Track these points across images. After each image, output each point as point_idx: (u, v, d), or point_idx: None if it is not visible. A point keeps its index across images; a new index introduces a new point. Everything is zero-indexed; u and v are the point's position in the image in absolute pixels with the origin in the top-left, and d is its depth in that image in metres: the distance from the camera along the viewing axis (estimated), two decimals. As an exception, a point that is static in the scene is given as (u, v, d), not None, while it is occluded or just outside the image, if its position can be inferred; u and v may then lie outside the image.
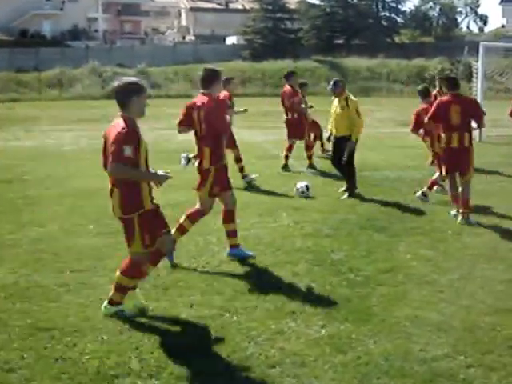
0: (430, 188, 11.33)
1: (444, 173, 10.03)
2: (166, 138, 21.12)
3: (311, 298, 6.53)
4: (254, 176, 12.71)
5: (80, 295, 6.54)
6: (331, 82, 11.94)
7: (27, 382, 4.82)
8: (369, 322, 5.90)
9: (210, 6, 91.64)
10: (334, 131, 11.76)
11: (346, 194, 11.45)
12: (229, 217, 7.99)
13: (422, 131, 11.60)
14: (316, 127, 15.80)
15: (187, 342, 5.48)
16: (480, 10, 79.36)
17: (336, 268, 7.46)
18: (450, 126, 9.67)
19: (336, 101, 11.72)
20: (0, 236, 8.81)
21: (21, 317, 5.95)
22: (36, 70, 46.46)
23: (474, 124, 10.14)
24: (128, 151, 5.70)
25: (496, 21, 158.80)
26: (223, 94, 11.68)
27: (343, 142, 11.49)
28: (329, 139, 12.19)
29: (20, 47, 52.35)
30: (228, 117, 8.49)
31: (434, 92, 13.21)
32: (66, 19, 69.07)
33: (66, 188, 12.35)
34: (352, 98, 11.58)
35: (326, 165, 13.44)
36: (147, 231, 5.88)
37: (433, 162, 11.84)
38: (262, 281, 7.03)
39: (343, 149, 11.44)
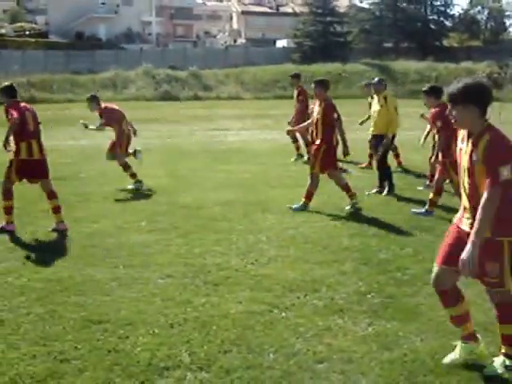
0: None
1: None
2: (218, 139, 21.27)
3: (358, 295, 6.56)
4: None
5: (132, 290, 6.69)
6: (375, 79, 12.18)
7: (81, 372, 4.95)
8: (415, 320, 5.92)
9: (260, 9, 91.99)
10: (371, 129, 11.95)
11: (385, 191, 11.70)
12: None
13: None
14: None
15: (236, 337, 5.56)
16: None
17: (383, 267, 7.49)
18: None
19: (375, 99, 11.97)
20: (56, 231, 9.06)
21: (75, 309, 6.13)
22: (91, 71, 47.29)
23: None
24: None
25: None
26: None
27: (380, 140, 11.64)
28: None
29: (76, 50, 53.39)
30: None
31: None
32: (120, 22, 70.11)
33: (120, 186, 12.59)
34: (391, 96, 11.82)
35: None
36: None
37: None
38: (309, 278, 7.08)
39: (379, 146, 11.72)
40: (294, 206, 10.40)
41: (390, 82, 47.77)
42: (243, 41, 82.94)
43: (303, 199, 10.45)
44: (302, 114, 15.32)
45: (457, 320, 5.08)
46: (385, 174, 11.79)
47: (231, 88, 47.05)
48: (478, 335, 5.13)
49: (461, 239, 4.76)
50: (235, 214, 10.13)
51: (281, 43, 68.81)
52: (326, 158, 10.26)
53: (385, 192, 11.66)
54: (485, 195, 4.49)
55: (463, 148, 4.72)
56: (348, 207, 10.42)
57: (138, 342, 5.45)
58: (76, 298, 6.42)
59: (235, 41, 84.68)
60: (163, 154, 17.47)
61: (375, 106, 11.94)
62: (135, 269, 7.37)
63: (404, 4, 67.84)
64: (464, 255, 4.53)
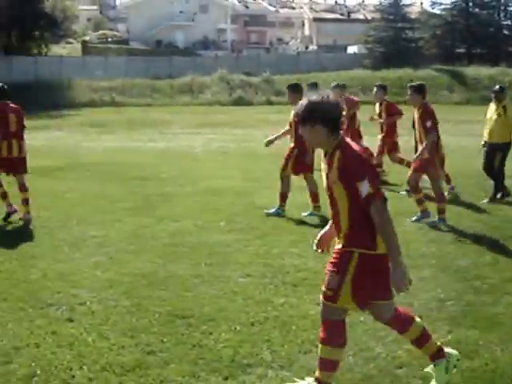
0: None
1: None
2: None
3: (437, 303, 6.52)
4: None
5: (214, 287, 6.84)
6: (496, 87, 11.94)
7: (166, 364, 5.10)
8: (496, 329, 5.84)
9: (332, 16, 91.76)
10: (486, 137, 11.74)
11: (489, 200, 11.42)
12: None
13: None
14: None
15: (316, 338, 5.60)
16: None
17: (461, 275, 7.42)
18: None
19: (493, 107, 11.71)
20: (140, 229, 9.32)
21: (160, 304, 6.31)
22: (169, 77, 48.09)
23: None
24: None
25: None
26: None
27: (496, 148, 11.53)
28: (484, 145, 12.03)
29: (155, 56, 54.39)
30: None
31: None
32: (197, 30, 71.12)
33: (199, 187, 12.86)
34: (510, 105, 11.62)
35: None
36: None
37: None
38: (389, 281, 7.10)
39: (495, 155, 11.54)
40: (269, 211, 10.30)
41: (462, 87, 47.13)
42: (315, 47, 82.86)
43: (279, 203, 10.42)
44: None
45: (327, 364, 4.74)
46: (499, 181, 11.66)
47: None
48: None
49: None
50: (311, 217, 10.19)
51: (352, 49, 68.49)
52: (298, 160, 10.30)
53: (499, 195, 11.54)
54: (373, 217, 4.32)
55: (322, 168, 4.54)
56: (306, 214, 10.34)
57: (220, 338, 5.58)
58: (160, 293, 6.61)
59: (307, 47, 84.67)
60: (239, 157, 17.69)
61: (492, 114, 11.64)
62: (216, 267, 7.52)
63: (476, 9, 66.45)
64: (392, 280, 4.44)
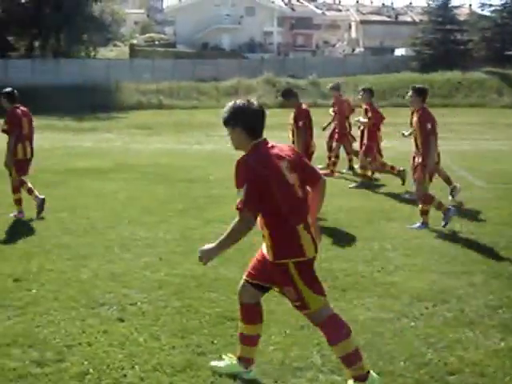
0: None
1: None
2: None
3: (489, 309, 6.43)
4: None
5: (263, 290, 6.85)
6: None
7: (217, 365, 5.15)
8: (550, 337, 5.75)
9: (379, 18, 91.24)
10: None
11: None
12: None
13: None
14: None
15: (366, 343, 5.59)
16: None
17: (514, 281, 7.32)
18: None
19: None
20: (188, 230, 9.37)
21: (210, 305, 6.36)
22: (215, 79, 48.34)
23: None
24: None
25: None
26: None
27: None
28: None
29: (201, 59, 54.72)
30: None
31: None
32: (243, 33, 71.30)
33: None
34: None
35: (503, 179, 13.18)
36: None
37: None
38: (438, 288, 7.01)
39: None
40: None
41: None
42: (361, 49, 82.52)
43: None
44: None
45: (245, 339, 5.03)
46: None
47: (349, 96, 46.85)
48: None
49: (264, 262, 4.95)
50: (359, 221, 10.14)
51: (399, 52, 68.06)
52: None
53: None
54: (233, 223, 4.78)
55: None
56: None
57: (270, 340, 5.59)
58: (210, 295, 6.66)
59: (353, 50, 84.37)
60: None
61: None
62: (265, 270, 7.52)
63: (527, 11, 65.43)
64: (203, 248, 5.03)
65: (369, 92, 14.19)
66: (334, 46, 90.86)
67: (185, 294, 6.68)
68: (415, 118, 9.83)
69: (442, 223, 9.77)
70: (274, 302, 6.43)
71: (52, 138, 23.80)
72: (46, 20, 54.14)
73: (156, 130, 27.66)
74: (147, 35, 78.04)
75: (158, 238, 8.96)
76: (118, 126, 30.17)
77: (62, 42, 58.55)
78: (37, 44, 60.12)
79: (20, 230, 9.45)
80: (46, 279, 7.13)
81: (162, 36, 77.99)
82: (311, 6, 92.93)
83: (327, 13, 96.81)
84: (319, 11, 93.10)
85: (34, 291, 6.75)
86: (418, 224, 9.79)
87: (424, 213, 9.80)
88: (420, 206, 9.89)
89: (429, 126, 9.54)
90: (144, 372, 4.98)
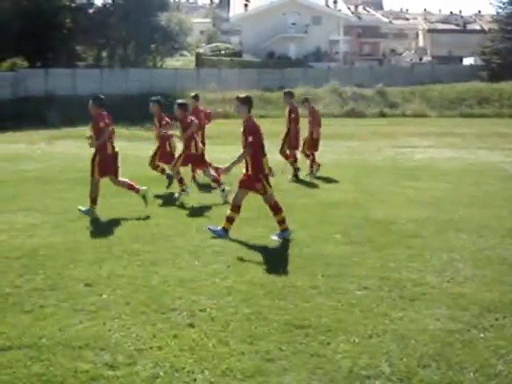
0: None
1: None
2: (405, 156, 21.13)
3: None
4: None
5: (331, 298, 6.85)
6: None
7: (286, 371, 5.17)
8: None
9: (447, 27, 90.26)
10: None
11: None
12: None
13: None
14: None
15: (435, 353, 5.55)
16: None
17: None
18: None
19: None
20: (256, 239, 9.44)
21: (278, 313, 6.38)
22: (281, 88, 48.39)
23: None
24: None
25: None
26: None
27: None
28: None
29: (267, 68, 54.95)
30: None
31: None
32: (309, 42, 71.36)
33: (314, 198, 12.96)
34: None
35: None
36: None
37: None
38: (508, 300, 6.89)
39: None
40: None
41: None
42: (429, 58, 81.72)
43: None
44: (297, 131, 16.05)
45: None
46: None
47: (416, 105, 46.40)
48: None
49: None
50: (428, 232, 10.04)
51: (468, 61, 67.18)
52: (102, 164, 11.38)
53: None
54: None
55: None
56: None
57: (338, 348, 5.59)
58: (278, 302, 6.68)
59: (421, 58, 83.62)
60: (352, 170, 17.63)
61: None
62: (333, 278, 7.53)
63: None
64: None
65: (289, 95, 16.02)
66: (400, 54, 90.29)
67: (253, 301, 6.72)
68: (242, 129, 9.54)
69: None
70: (343, 311, 6.45)
71: (119, 147, 24.14)
72: (113, 30, 55.33)
73: (223, 139, 27.87)
74: (213, 45, 78.81)
75: (227, 245, 9.04)
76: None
77: (129, 51, 59.71)
78: (104, 54, 61.47)
79: (91, 236, 9.66)
80: (117, 284, 7.28)
81: (228, 45, 78.62)
82: (378, 15, 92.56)
83: (394, 21, 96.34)
84: (386, 20, 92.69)
85: (105, 296, 6.90)
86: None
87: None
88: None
89: (250, 138, 9.30)
90: (214, 377, 5.05)
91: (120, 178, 11.76)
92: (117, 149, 11.83)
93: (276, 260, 8.33)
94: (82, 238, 9.42)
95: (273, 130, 31.48)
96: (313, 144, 16.58)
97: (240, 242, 9.23)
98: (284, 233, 9.52)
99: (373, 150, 23.31)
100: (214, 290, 7.05)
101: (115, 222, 10.64)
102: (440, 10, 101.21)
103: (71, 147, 24.31)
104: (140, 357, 5.37)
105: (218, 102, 44.72)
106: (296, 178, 15.71)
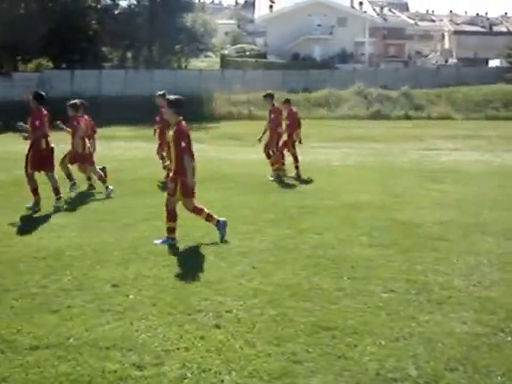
0: None
1: None
2: (430, 159, 21.01)
3: None
4: None
5: (357, 301, 6.83)
6: None
7: (313, 373, 5.17)
8: None
9: (473, 29, 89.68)
10: None
11: None
12: None
13: None
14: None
15: (462, 356, 5.52)
16: None
17: None
18: None
19: None
20: (282, 240, 9.43)
21: (304, 314, 6.38)
22: (305, 90, 48.41)
23: None
24: None
25: None
26: None
27: None
28: None
29: (292, 69, 54.91)
30: None
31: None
32: (334, 43, 71.16)
33: (339, 200, 12.87)
34: None
35: None
36: None
37: None
38: (538, 305, 6.85)
39: None
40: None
41: None
42: (454, 60, 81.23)
43: None
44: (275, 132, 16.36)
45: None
46: None
47: (442, 108, 46.08)
48: None
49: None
50: (454, 235, 9.98)
51: (493, 63, 66.63)
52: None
53: None
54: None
55: None
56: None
57: (365, 351, 5.58)
58: (304, 304, 6.68)
59: (446, 61, 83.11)
60: (378, 172, 17.57)
61: None
62: (359, 281, 7.51)
63: None
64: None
65: (270, 97, 16.67)
66: (426, 56, 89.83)
67: (279, 302, 6.72)
68: (171, 133, 9.26)
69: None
70: (369, 314, 6.44)
71: (144, 148, 24.37)
72: (138, 31, 55.58)
73: (248, 140, 27.88)
74: (238, 46, 78.90)
75: (252, 247, 9.04)
76: (210, 136, 30.63)
77: (154, 52, 59.97)
78: (129, 55, 61.76)
79: (117, 237, 9.70)
80: (143, 285, 7.31)
81: (253, 46, 78.71)
82: (404, 17, 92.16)
83: (420, 23, 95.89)
84: (412, 21, 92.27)
85: (131, 297, 6.94)
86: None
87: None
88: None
89: (183, 144, 9.08)
90: (241, 378, 5.06)
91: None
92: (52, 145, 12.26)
93: (301, 262, 8.31)
94: (109, 239, 9.47)
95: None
96: (284, 144, 16.70)
97: (265, 244, 9.24)
98: (169, 240, 9.33)
99: (398, 152, 23.21)
100: (239, 292, 7.06)
101: (140, 223, 10.68)
102: (466, 12, 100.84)
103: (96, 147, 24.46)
104: (167, 357, 5.40)
105: (242, 103, 44.78)
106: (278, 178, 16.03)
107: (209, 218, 9.54)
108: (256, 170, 17.28)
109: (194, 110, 41.82)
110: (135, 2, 60.44)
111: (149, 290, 7.15)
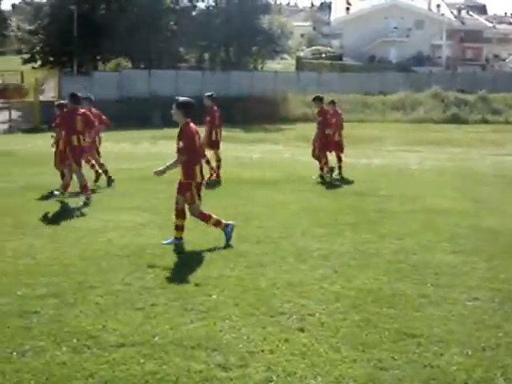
0: None
1: None
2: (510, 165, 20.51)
3: None
4: None
5: (442, 308, 6.69)
6: None
7: (399, 381, 5.07)
8: None
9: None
10: None
11: None
12: None
13: None
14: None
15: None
16: None
17: None
18: None
19: None
20: (362, 244, 9.30)
21: (388, 321, 6.27)
22: (381, 93, 48.00)
23: None
24: None
25: None
26: None
27: None
28: None
29: (368, 72, 54.52)
30: None
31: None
32: (411, 46, 70.41)
33: (419, 205, 12.67)
34: None
35: None
36: None
37: None
38: None
39: None
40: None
41: None
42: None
43: None
44: None
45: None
46: None
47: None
48: None
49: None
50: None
51: None
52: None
53: None
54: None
55: None
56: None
57: (452, 360, 5.45)
58: (388, 310, 6.57)
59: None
60: (456, 176, 17.26)
61: None
62: (442, 288, 7.35)
63: None
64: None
65: (319, 100, 16.78)
66: (504, 60, 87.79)
67: (362, 307, 6.64)
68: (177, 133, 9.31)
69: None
70: (454, 322, 6.31)
71: (222, 148, 24.52)
72: (215, 33, 56.01)
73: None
74: (314, 48, 78.82)
75: (332, 250, 8.96)
76: (285, 138, 30.64)
77: (230, 54, 60.35)
78: (206, 56, 62.32)
79: (197, 237, 9.76)
80: (225, 285, 7.33)
81: (329, 49, 78.47)
82: (481, 19, 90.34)
83: (498, 26, 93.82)
84: (490, 24, 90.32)
85: (214, 296, 6.96)
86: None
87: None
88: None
89: (181, 144, 9.10)
90: (326, 383, 5.01)
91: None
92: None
93: (382, 267, 8.19)
94: (189, 238, 9.53)
95: (375, 135, 31.44)
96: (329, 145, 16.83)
97: (345, 247, 9.16)
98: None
99: (477, 157, 22.75)
100: (322, 295, 7.00)
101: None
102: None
103: (173, 148, 24.78)
104: (252, 359, 5.38)
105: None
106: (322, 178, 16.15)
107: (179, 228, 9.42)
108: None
109: (269, 111, 42.05)
110: (213, 4, 60.92)
111: (231, 290, 7.15)
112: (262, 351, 5.54)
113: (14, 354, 5.52)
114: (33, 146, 25.47)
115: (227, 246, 9.18)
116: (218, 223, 9.38)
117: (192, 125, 9.23)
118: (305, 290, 7.16)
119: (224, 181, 15.72)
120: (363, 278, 7.64)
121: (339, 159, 16.90)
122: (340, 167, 16.76)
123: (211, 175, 15.88)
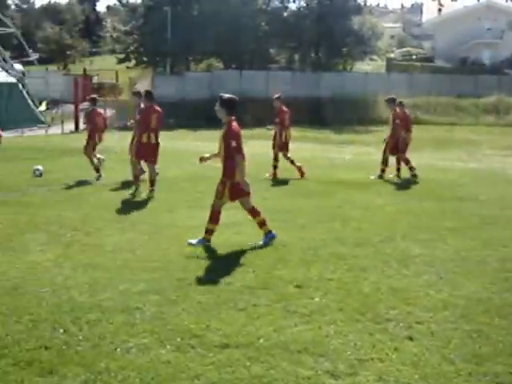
0: None
1: None
2: None
3: None
4: None
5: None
6: None
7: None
8: None
9: None
10: None
11: None
12: None
13: None
14: None
15: None
16: None
17: None
18: None
19: None
20: (466, 251, 8.96)
21: (501, 333, 5.96)
22: (474, 96, 46.83)
23: None
24: None
25: None
26: None
27: None
28: None
29: (460, 74, 53.33)
30: None
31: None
32: (504, 48, 68.37)
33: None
34: None
35: None
36: None
37: None
38: None
39: None
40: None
41: None
42: None
43: None
44: None
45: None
46: None
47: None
48: None
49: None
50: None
51: None
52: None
53: None
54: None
55: None
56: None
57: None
58: (500, 322, 6.26)
59: None
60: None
61: None
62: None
63: None
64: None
65: (392, 101, 17.01)
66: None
67: (472, 317, 6.35)
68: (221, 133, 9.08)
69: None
70: (496, 334, 5.94)
71: (313, 149, 24.48)
72: (306, 34, 55.83)
73: (413, 145, 27.29)
74: (404, 49, 77.67)
75: (435, 256, 8.68)
76: (376, 140, 30.18)
77: (320, 54, 60.09)
78: (296, 57, 62.24)
79: (296, 237, 9.63)
80: (327, 288, 7.17)
81: (420, 50, 77.17)
82: None
83: None
84: None
85: (316, 299, 6.81)
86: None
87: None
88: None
89: (233, 143, 8.74)
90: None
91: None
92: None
93: (489, 275, 7.83)
94: (287, 239, 9.41)
95: (468, 138, 30.68)
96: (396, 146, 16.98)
97: (448, 253, 8.86)
98: (204, 241, 9.12)
99: None
100: (428, 303, 6.76)
101: (316, 225, 10.60)
102: None
103: (263, 147, 24.74)
104: (361, 367, 5.20)
105: (408, 107, 43.74)
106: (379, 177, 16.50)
107: (262, 224, 9.28)
108: (428, 175, 16.81)
109: (359, 112, 41.64)
110: (304, 5, 60.75)
111: (334, 293, 6.99)
112: (372, 359, 5.35)
113: (118, 350, 5.52)
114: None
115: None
116: (210, 232, 9.26)
117: (235, 123, 9.04)
118: (410, 297, 6.93)
119: (316, 181, 15.62)
120: (470, 287, 7.34)
121: (398, 161, 17.00)
122: (398, 169, 16.88)
123: (302, 174, 15.94)
